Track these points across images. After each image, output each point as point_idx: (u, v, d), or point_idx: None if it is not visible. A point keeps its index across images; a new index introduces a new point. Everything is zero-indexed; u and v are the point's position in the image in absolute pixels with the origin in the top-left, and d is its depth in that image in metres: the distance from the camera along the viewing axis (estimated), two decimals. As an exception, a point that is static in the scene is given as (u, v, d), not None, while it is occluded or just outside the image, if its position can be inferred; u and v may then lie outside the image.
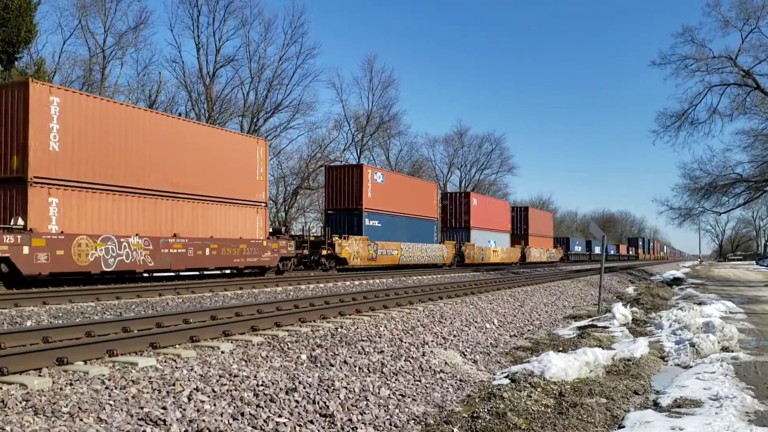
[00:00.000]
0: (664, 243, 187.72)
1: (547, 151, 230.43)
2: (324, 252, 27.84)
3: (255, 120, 50.12)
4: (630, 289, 29.13)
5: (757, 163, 39.11)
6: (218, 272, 23.34)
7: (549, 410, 7.14)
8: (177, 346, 7.77)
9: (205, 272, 22.66)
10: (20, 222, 15.58)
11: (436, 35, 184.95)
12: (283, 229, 26.94)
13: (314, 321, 10.48)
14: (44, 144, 16.26)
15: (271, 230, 25.46)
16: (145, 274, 20.04)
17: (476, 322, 12.96)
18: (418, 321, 11.54)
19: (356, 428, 6.12)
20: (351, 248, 29.23)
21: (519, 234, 55.45)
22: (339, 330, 9.62)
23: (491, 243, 47.22)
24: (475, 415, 6.82)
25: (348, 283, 21.75)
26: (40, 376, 5.93)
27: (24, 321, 10.37)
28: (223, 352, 7.61)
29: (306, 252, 27.19)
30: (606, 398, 7.76)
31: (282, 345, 8.32)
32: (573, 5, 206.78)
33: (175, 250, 19.53)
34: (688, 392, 7.92)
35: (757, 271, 59.01)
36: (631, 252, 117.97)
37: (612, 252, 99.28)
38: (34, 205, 15.92)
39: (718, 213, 46.43)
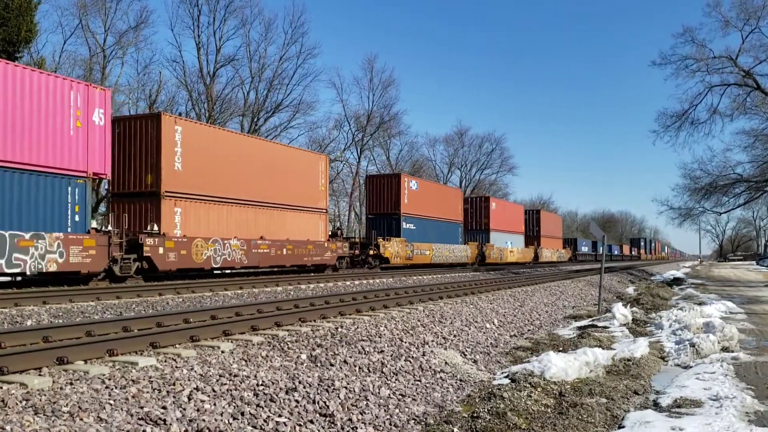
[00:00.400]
0: (664, 243, 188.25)
1: (548, 151, 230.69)
2: (371, 252, 31.63)
3: (255, 120, 50.17)
4: (630, 289, 29.14)
5: (758, 163, 39.12)
6: (293, 269, 27.14)
7: (549, 410, 7.14)
8: (177, 345, 7.78)
9: (277, 269, 26.42)
10: (155, 228, 19.45)
11: (437, 35, 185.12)
12: (339, 232, 31.37)
13: (314, 321, 10.49)
14: (171, 164, 20.26)
15: (330, 233, 29.54)
16: (241, 270, 24.21)
17: (476, 321, 12.96)
18: (419, 321, 11.54)
19: (356, 428, 6.12)
20: (392, 249, 32.85)
21: (532, 235, 58.43)
22: (339, 330, 9.62)
23: (508, 244, 50.49)
24: (475, 414, 6.82)
25: (348, 282, 21.76)
26: (40, 375, 5.93)
27: (24, 320, 10.37)
28: (223, 352, 7.61)
29: (357, 252, 30.90)
30: (606, 398, 7.76)
31: (282, 345, 8.33)
32: (573, 5, 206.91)
33: (261, 250, 23.43)
34: (688, 392, 7.91)
35: (757, 271, 59.00)
36: (633, 252, 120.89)
37: (616, 252, 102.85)
38: (165, 214, 19.87)
39: (718, 213, 46.47)
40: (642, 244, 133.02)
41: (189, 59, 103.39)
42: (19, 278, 17.10)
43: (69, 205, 16.91)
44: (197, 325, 8.82)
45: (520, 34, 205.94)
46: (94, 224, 19.26)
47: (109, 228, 17.86)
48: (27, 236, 15.42)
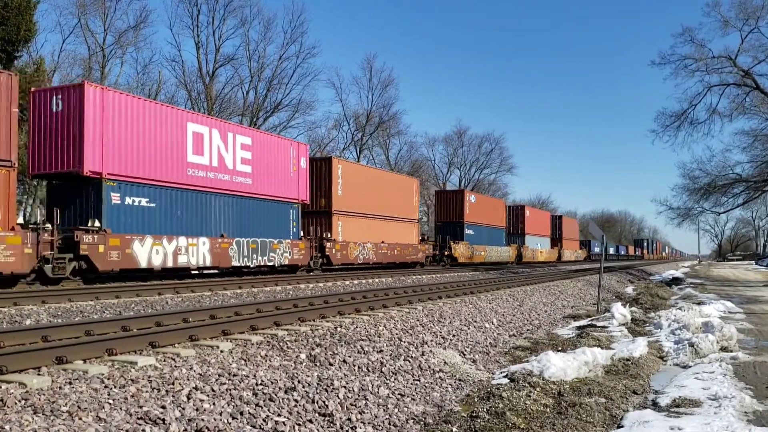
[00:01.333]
0: (665, 243, 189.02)
1: (547, 151, 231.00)
2: (446, 253, 40.56)
3: (255, 119, 50.15)
4: (629, 289, 29.14)
5: (757, 164, 39.15)
6: (393, 264, 34.84)
7: (548, 410, 7.15)
8: (176, 345, 7.77)
9: (385, 264, 34.08)
10: (327, 235, 28.33)
11: (435, 35, 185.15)
12: (426, 236, 41.37)
13: (313, 320, 10.49)
14: (336, 191, 29.45)
15: (421, 237, 39.13)
16: (372, 265, 32.59)
17: (475, 321, 12.96)
18: (418, 320, 11.54)
19: (355, 427, 6.12)
20: (459, 250, 41.89)
21: (555, 238, 66.98)
22: (338, 329, 9.62)
23: (539, 245, 59.59)
24: (474, 414, 6.83)
25: (347, 282, 21.76)
26: (39, 375, 5.93)
27: (23, 320, 10.37)
28: (222, 351, 7.61)
29: (437, 252, 39.94)
30: (605, 398, 7.77)
31: (281, 344, 8.33)
32: (572, 5, 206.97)
33: (383, 251, 32.88)
34: (687, 392, 7.92)
35: (756, 271, 59.01)
36: (637, 252, 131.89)
37: (623, 252, 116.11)
38: (334, 225, 29.16)
39: (717, 213, 46.54)
40: (645, 244, 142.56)
41: (188, 59, 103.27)
42: (266, 268, 25.07)
43: (290, 221, 26.10)
44: (196, 324, 8.82)
45: (520, 34, 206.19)
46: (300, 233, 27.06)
47: (310, 236, 27.36)
48: (275, 241, 24.71)
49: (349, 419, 6.26)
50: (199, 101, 47.91)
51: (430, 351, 9.60)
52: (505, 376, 8.72)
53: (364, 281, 22.80)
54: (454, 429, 6.43)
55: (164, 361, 6.86)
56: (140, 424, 5.03)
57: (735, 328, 12.52)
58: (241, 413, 5.71)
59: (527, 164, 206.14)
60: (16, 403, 5.08)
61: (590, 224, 22.55)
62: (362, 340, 9.25)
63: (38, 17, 30.91)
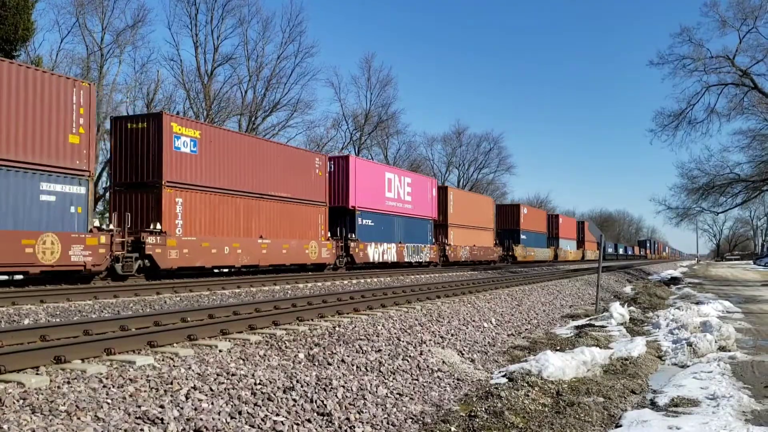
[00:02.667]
0: (664, 243, 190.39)
1: (545, 151, 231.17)
2: (509, 253, 51.65)
3: (253, 119, 50.11)
4: (627, 289, 29.17)
5: (755, 163, 39.20)
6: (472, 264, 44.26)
7: (546, 409, 7.15)
8: (175, 344, 7.77)
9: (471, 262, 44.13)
10: (445, 240, 38.10)
11: (434, 34, 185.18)
12: (497, 240, 50.60)
13: (312, 320, 10.48)
14: (449, 210, 41.38)
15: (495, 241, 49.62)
16: (468, 262, 43.06)
17: (474, 321, 12.97)
18: (416, 320, 11.54)
19: (354, 427, 6.13)
20: (518, 251, 53.24)
21: (579, 240, 78.63)
22: (337, 329, 9.62)
23: (568, 247, 72.53)
24: (472, 414, 6.83)
25: (346, 282, 21.75)
26: (37, 374, 5.92)
27: (21, 319, 10.35)
28: (220, 351, 7.60)
29: (504, 253, 50.75)
30: (603, 397, 7.78)
31: (280, 344, 8.32)
32: (571, 5, 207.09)
33: (475, 252, 44.02)
34: (686, 391, 7.93)
35: (754, 270, 59.07)
36: (641, 252, 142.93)
37: (630, 252, 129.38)
38: (449, 234, 41.05)
39: (715, 213, 46.62)
40: (648, 245, 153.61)
41: (187, 58, 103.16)
42: (416, 264, 34.03)
43: (428, 232, 37.52)
44: (195, 324, 8.82)
45: (519, 33, 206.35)
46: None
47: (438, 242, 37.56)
48: (422, 245, 36.27)
49: (348, 419, 6.26)
50: (198, 101, 47.87)
51: (429, 350, 9.61)
52: (503, 376, 8.73)
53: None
54: (453, 428, 6.43)
55: (163, 360, 6.86)
56: (138, 424, 5.03)
57: (733, 327, 12.54)
58: (240, 413, 5.71)
59: (525, 163, 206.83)
60: (14, 403, 5.08)
61: (589, 224, 22.56)
62: (361, 339, 9.25)
63: (36, 16, 30.83)
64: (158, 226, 19.52)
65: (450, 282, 21.07)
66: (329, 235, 27.70)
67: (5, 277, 16.84)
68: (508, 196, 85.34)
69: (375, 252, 30.59)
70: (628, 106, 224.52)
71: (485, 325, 13.00)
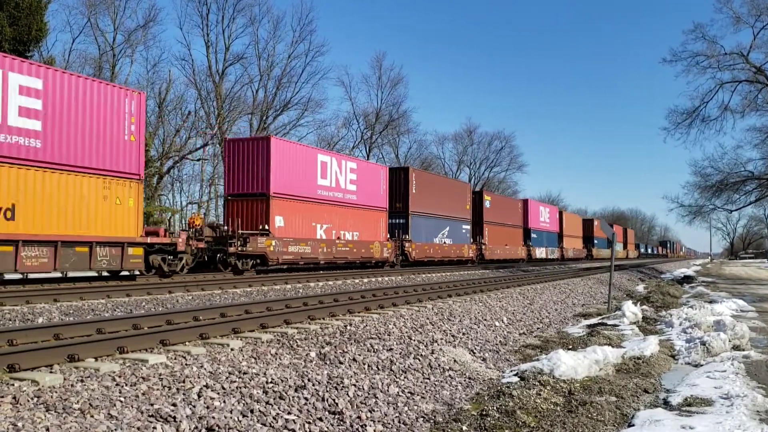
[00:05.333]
0: (681, 243, 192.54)
1: (556, 149, 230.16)
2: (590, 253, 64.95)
3: (264, 118, 50.23)
4: (640, 287, 29.00)
5: (769, 160, 38.82)
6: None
7: (558, 408, 7.12)
8: (187, 343, 7.80)
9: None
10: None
11: (445, 33, 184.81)
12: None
13: (323, 318, 10.50)
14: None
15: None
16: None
17: (485, 320, 12.94)
18: (427, 319, 11.53)
19: (365, 426, 6.13)
20: (594, 252, 68.93)
21: (611, 240, 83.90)
22: (348, 328, 9.63)
23: (617, 247, 76.21)
24: (484, 413, 6.82)
25: (357, 281, 21.77)
26: (51, 372, 5.97)
27: (36, 318, 10.44)
28: (232, 350, 7.63)
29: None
30: (615, 397, 7.74)
31: (291, 342, 8.34)
32: (582, 4, 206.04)
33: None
34: (699, 391, 7.88)
35: (768, 269, 58.55)
36: (663, 251, 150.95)
37: (654, 251, 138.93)
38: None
39: (729, 210, 46.23)
40: (668, 245, 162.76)
41: (198, 57, 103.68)
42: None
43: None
44: (207, 322, 8.85)
45: (530, 32, 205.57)
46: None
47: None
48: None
49: (359, 417, 6.26)
50: (209, 100, 48.06)
51: (440, 349, 9.60)
52: (515, 375, 8.71)
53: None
54: (464, 427, 6.42)
55: (175, 359, 6.89)
56: (151, 422, 5.06)
57: (747, 326, 12.44)
58: (252, 411, 5.73)
59: (536, 161, 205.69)
60: (28, 401, 5.12)
61: (601, 222, 22.45)
62: (372, 338, 9.26)
63: (48, 17, 31.02)
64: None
65: (461, 281, 21.03)
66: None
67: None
68: (520, 195, 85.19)
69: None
70: (641, 103, 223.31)
71: (497, 323, 12.96)
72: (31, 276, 16.74)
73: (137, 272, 18.35)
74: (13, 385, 5.49)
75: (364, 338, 9.15)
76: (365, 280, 21.89)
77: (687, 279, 37.94)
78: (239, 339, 8.27)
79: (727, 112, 37.22)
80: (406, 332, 10.11)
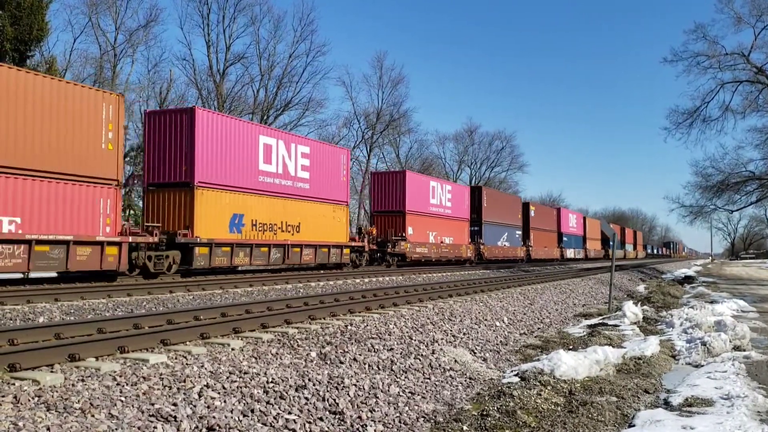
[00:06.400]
0: (683, 244, 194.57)
1: (557, 149, 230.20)
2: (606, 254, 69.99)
3: (265, 117, 50.22)
4: (641, 288, 28.99)
5: (770, 161, 38.79)
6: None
7: (559, 408, 7.12)
8: (187, 342, 7.81)
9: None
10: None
11: (446, 33, 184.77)
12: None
13: (324, 318, 10.50)
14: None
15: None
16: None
17: (486, 320, 12.94)
18: (428, 319, 11.53)
19: (366, 425, 6.13)
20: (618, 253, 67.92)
21: (612, 240, 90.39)
22: (349, 327, 9.63)
23: (628, 248, 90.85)
24: (484, 413, 6.82)
25: (358, 280, 21.77)
26: (52, 372, 5.97)
27: (36, 317, 10.44)
28: (233, 349, 7.63)
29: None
30: (616, 397, 7.74)
31: (292, 342, 8.34)
32: (583, 4, 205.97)
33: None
34: (700, 391, 7.87)
35: (769, 269, 58.49)
36: (667, 252, 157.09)
37: (659, 252, 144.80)
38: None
39: (730, 211, 46.25)
40: (671, 246, 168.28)
41: (199, 57, 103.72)
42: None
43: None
44: (207, 322, 8.86)
45: (530, 31, 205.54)
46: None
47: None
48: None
49: (360, 417, 6.26)
50: (210, 100, 48.04)
51: (441, 349, 9.60)
52: (515, 375, 8.70)
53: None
54: (465, 427, 6.42)
55: (176, 358, 6.90)
56: (152, 422, 5.06)
57: (748, 327, 12.43)
58: (252, 411, 5.73)
59: (537, 161, 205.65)
60: (29, 400, 5.13)
61: (602, 222, 22.45)
62: (373, 338, 9.26)
63: (50, 17, 31.01)
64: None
65: (462, 281, 21.03)
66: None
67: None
68: (521, 195, 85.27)
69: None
70: (641, 103, 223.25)
71: (497, 324, 12.96)
72: (303, 264, 24.27)
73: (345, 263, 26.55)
74: (14, 384, 5.49)
75: (365, 338, 9.15)
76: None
77: (688, 279, 37.92)
78: (240, 339, 8.27)
79: (728, 113, 37.24)
80: (407, 332, 10.11)
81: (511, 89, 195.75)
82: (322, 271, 24.84)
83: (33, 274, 16.07)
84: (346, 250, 26.42)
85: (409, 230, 31.83)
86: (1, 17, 27.37)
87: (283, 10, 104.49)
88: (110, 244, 16.33)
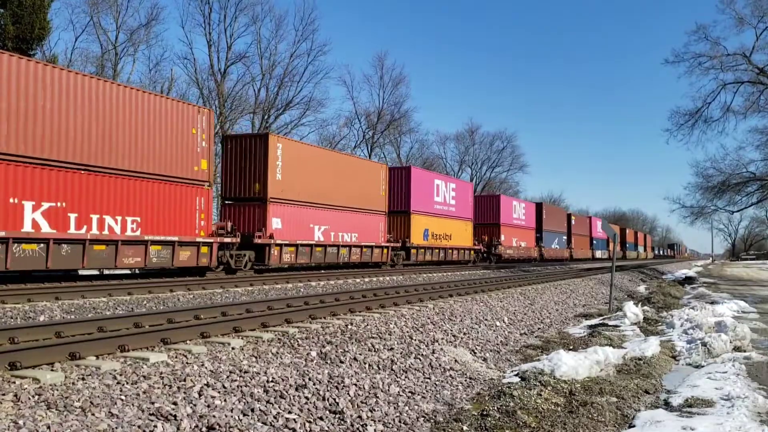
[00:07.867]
0: (685, 246, 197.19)
1: (558, 149, 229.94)
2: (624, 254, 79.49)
3: (266, 117, 50.24)
4: (641, 288, 28.98)
5: (771, 162, 38.78)
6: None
7: (559, 409, 7.12)
8: (188, 341, 7.81)
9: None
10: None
11: (447, 33, 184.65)
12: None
13: (324, 318, 10.50)
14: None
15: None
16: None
17: (486, 320, 12.94)
18: (428, 318, 11.53)
19: (366, 425, 6.13)
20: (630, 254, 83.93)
21: (613, 240, 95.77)
22: (349, 327, 9.63)
23: (636, 249, 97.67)
24: (484, 413, 6.82)
25: (358, 280, 21.77)
26: (52, 370, 5.98)
27: (37, 316, 10.45)
28: (233, 348, 7.64)
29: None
30: (616, 397, 7.73)
31: (292, 341, 8.35)
32: (585, 4, 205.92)
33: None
34: (700, 392, 7.87)
35: (770, 270, 58.43)
36: (671, 253, 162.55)
37: (663, 252, 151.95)
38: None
39: (730, 212, 46.30)
40: (675, 247, 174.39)
41: (200, 56, 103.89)
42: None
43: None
44: (208, 321, 8.86)
45: (532, 32, 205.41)
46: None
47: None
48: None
49: (360, 417, 6.26)
50: (211, 99, 48.04)
51: (441, 349, 9.60)
52: (516, 375, 8.70)
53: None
54: (465, 427, 6.42)
55: (176, 357, 6.90)
56: (152, 420, 5.06)
57: (748, 327, 12.43)
58: (252, 410, 5.74)
59: (538, 162, 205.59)
60: (30, 398, 5.13)
61: (602, 222, 22.43)
62: (373, 337, 9.26)
63: (51, 15, 30.99)
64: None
65: (463, 281, 21.03)
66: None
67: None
68: (521, 195, 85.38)
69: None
70: (643, 104, 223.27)
71: (498, 324, 12.96)
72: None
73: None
74: (14, 383, 5.50)
75: (366, 338, 9.15)
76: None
77: (688, 280, 37.89)
78: (240, 338, 8.27)
79: (730, 114, 37.22)
80: (407, 332, 10.11)
81: (513, 89, 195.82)
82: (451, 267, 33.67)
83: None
84: (471, 252, 40.02)
85: (502, 237, 43.95)
86: (3, 16, 27.39)
87: (285, 10, 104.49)
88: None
